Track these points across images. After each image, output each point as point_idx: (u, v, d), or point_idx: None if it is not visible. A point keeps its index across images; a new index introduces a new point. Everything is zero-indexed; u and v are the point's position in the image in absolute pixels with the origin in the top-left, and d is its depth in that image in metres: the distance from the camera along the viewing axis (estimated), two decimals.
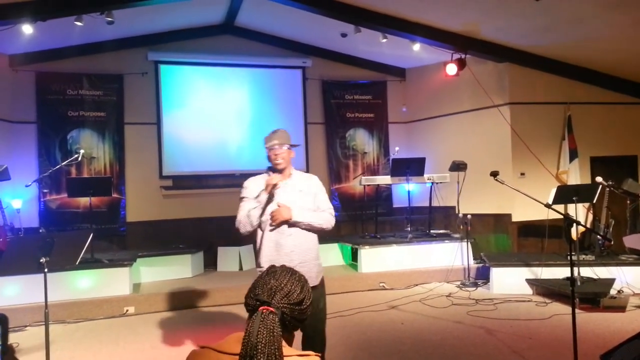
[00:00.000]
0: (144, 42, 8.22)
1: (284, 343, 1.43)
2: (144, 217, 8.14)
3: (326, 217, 3.34)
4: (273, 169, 3.36)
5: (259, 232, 3.33)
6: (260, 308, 1.42)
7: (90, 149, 7.92)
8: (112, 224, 7.95)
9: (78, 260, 3.54)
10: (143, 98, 8.29)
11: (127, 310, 6.09)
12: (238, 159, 8.67)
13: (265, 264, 3.26)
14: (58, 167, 6.71)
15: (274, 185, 3.21)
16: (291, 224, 3.22)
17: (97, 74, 8.06)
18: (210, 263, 7.96)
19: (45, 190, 7.62)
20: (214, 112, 8.62)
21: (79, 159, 6.59)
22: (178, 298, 6.36)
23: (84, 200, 7.45)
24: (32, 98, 7.76)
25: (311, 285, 3.07)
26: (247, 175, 9.59)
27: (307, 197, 3.35)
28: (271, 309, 1.42)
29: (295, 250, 3.23)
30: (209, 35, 8.56)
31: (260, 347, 1.33)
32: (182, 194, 8.40)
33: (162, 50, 8.37)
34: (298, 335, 3.06)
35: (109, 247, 7.73)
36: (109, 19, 6.46)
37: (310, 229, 3.27)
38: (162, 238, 8.03)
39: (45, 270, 3.36)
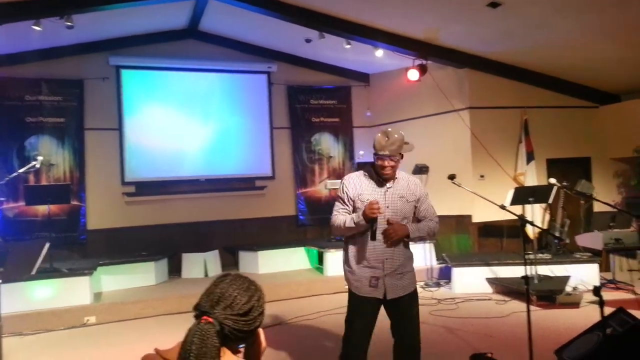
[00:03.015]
0: (105, 47, 8.08)
1: (227, 353, 1.42)
2: (106, 224, 7.98)
3: (433, 228, 3.20)
4: (375, 170, 3.13)
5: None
6: (201, 318, 1.41)
7: (49, 155, 7.71)
8: (71, 232, 7.76)
9: (34, 270, 3.47)
10: (104, 103, 8.14)
11: (87, 320, 5.97)
12: (203, 164, 8.61)
13: (364, 269, 3.11)
14: (15, 174, 6.49)
15: (375, 218, 2.94)
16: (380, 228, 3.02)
17: (56, 79, 7.87)
18: (175, 270, 7.86)
19: (2, 199, 7.38)
20: (177, 118, 8.53)
21: (37, 166, 6.39)
22: (141, 306, 6.27)
23: (42, 208, 7.26)
24: None
25: (406, 293, 3.11)
26: (212, 181, 9.58)
27: (409, 204, 3.15)
28: (210, 319, 1.40)
29: (392, 259, 3.09)
30: (172, 40, 8.48)
31: (192, 357, 1.33)
32: (146, 200, 8.27)
33: (123, 55, 8.24)
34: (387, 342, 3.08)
35: (69, 255, 7.55)
36: (69, 23, 6.33)
37: (418, 241, 3.21)
38: (124, 246, 7.88)
39: (0, 280, 3.28)
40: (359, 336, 3.14)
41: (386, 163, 3.04)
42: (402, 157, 3.12)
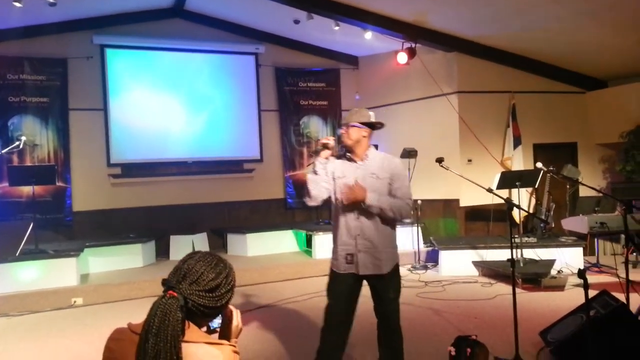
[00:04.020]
0: (89, 25, 7.90)
1: (193, 329, 1.43)
2: (92, 206, 7.90)
3: (401, 206, 3.10)
4: (347, 150, 3.22)
5: (333, 215, 3.26)
6: (167, 292, 1.42)
7: (33, 135, 7.58)
8: (57, 214, 7.67)
9: (18, 251, 3.42)
10: (88, 83, 7.98)
11: (75, 302, 5.94)
12: (190, 146, 8.52)
13: (340, 247, 3.18)
14: None
15: (324, 145, 3.12)
16: (362, 208, 3.06)
17: (39, 57, 7.69)
18: (163, 252, 7.84)
19: None
20: (164, 99, 8.41)
21: (21, 146, 6.32)
22: (129, 288, 6.25)
23: (27, 189, 7.16)
24: None
25: (377, 273, 3.09)
26: (200, 163, 9.52)
27: (381, 181, 3.13)
28: (174, 293, 1.41)
29: (363, 235, 3.11)
30: (157, 19, 8.32)
31: (153, 330, 1.34)
32: (132, 182, 8.19)
33: (108, 34, 8.06)
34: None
35: (55, 237, 7.48)
36: (51, 0, 6.17)
37: (382, 216, 3.09)
38: (111, 227, 7.83)
39: None
40: (336, 311, 3.20)
41: (342, 131, 3.19)
42: (362, 128, 3.15)
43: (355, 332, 3.31)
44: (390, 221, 3.17)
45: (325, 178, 3.17)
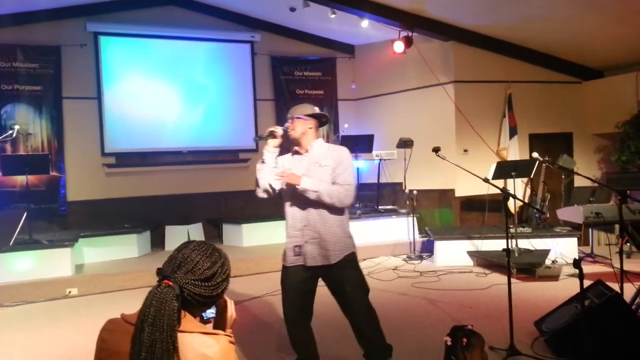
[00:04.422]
0: (82, 12, 7.81)
1: (189, 318, 1.42)
2: (86, 196, 7.85)
3: (337, 191, 3.06)
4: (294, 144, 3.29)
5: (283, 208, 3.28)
6: (162, 281, 1.41)
7: (26, 124, 7.50)
8: (51, 204, 7.62)
9: (12, 241, 3.39)
10: (82, 71, 7.90)
11: (69, 292, 5.92)
12: (185, 136, 8.47)
13: (288, 239, 3.21)
14: None
15: (271, 133, 3.15)
16: (300, 194, 3.07)
17: (32, 45, 7.59)
18: (158, 242, 7.82)
19: None
20: (158, 87, 8.34)
21: (14, 135, 6.25)
22: (124, 278, 6.23)
23: (20, 179, 7.12)
24: None
25: (326, 264, 3.07)
26: (195, 153, 9.46)
27: (323, 169, 3.13)
28: (169, 282, 1.40)
29: (309, 225, 3.11)
30: (152, 6, 8.24)
31: (149, 319, 1.33)
32: (127, 171, 8.14)
33: (101, 21, 7.98)
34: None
35: (49, 227, 7.44)
36: None
37: (320, 201, 3.06)
38: (106, 217, 7.79)
39: None
40: (290, 305, 3.23)
41: (287, 124, 3.24)
42: (306, 120, 3.21)
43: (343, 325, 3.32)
44: (336, 210, 3.13)
45: (274, 167, 3.18)
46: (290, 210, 3.19)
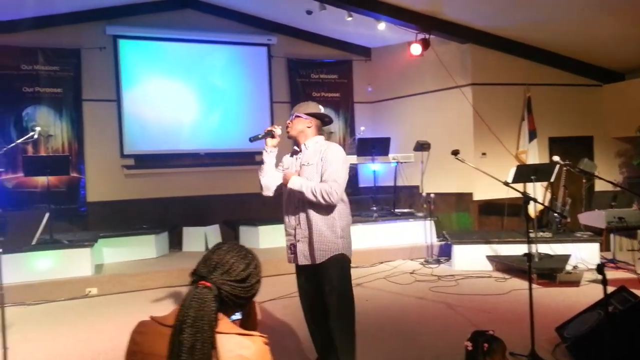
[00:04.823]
0: (101, 16, 7.92)
1: (224, 320, 1.42)
2: (106, 197, 7.94)
3: (320, 188, 2.99)
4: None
5: None
6: (199, 282, 1.42)
7: (47, 126, 7.63)
8: (71, 204, 7.72)
9: (34, 240, 3.44)
10: (102, 74, 8.01)
11: (89, 292, 5.98)
12: (202, 138, 8.53)
13: (285, 238, 3.22)
14: (13, 145, 6.39)
15: (269, 132, 3.20)
16: (294, 194, 3.09)
17: (53, 48, 7.72)
18: (175, 243, 7.88)
19: (0, 169, 7.33)
20: (176, 90, 8.42)
21: (35, 136, 6.30)
22: (142, 279, 6.28)
23: (41, 180, 7.22)
24: None
25: (312, 263, 3.06)
26: (212, 155, 9.52)
27: (312, 167, 3.12)
28: (207, 284, 1.41)
29: (301, 224, 3.12)
30: (170, 10, 8.32)
31: (189, 321, 1.33)
32: (145, 173, 8.22)
33: (120, 25, 8.08)
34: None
35: (69, 227, 7.52)
36: None
37: (307, 200, 3.04)
38: (124, 218, 7.86)
39: (0, 250, 3.25)
40: (302, 305, 3.28)
41: (287, 122, 3.26)
42: (304, 118, 3.20)
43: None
44: (325, 209, 3.06)
45: (272, 167, 3.23)
46: (286, 209, 3.22)
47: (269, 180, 3.21)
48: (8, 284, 3.36)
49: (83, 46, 7.88)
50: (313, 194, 3.00)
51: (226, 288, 1.44)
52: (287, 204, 3.22)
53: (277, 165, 3.34)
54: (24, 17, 7.30)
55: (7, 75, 7.49)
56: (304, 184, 3.05)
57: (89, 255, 6.27)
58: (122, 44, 8.16)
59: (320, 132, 3.28)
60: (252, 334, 1.44)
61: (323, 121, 3.29)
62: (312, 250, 3.07)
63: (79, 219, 7.79)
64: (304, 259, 3.13)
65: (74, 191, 7.77)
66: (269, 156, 3.24)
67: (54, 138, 7.71)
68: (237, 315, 1.63)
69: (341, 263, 3.11)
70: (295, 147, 3.27)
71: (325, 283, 3.08)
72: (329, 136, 9.30)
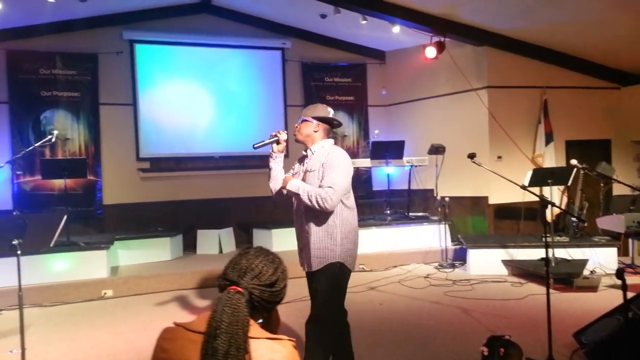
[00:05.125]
0: (118, 21, 8.02)
1: (254, 324, 1.42)
2: (121, 199, 8.02)
3: (316, 193, 2.90)
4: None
5: None
6: (229, 288, 1.41)
7: (65, 129, 7.73)
8: (88, 207, 7.81)
9: (53, 242, 3.48)
10: (118, 78, 8.11)
11: (105, 294, 6.03)
12: (217, 141, 8.58)
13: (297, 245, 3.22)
14: (31, 148, 6.50)
15: (274, 137, 3.14)
16: (304, 204, 3.00)
17: (70, 52, 7.83)
18: (190, 246, 7.92)
19: (18, 172, 7.45)
20: (191, 93, 8.49)
21: (53, 140, 6.40)
22: (157, 281, 6.32)
23: (58, 182, 7.31)
24: (3, 77, 7.52)
25: (311, 270, 3.04)
26: (226, 158, 9.58)
27: (314, 173, 3.04)
28: (239, 289, 1.40)
29: (303, 231, 3.08)
30: (185, 14, 8.39)
31: (223, 326, 1.32)
32: (160, 176, 8.29)
33: (137, 29, 8.17)
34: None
35: (85, 230, 7.61)
36: None
37: (303, 203, 2.97)
38: (140, 221, 7.93)
39: (19, 252, 3.29)
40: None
41: (295, 126, 3.18)
42: (321, 127, 3.11)
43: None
44: (324, 215, 2.96)
45: (280, 172, 3.19)
46: (294, 215, 3.18)
47: (276, 184, 3.18)
48: (25, 286, 3.40)
49: (100, 51, 7.98)
50: (309, 198, 2.92)
51: (256, 292, 1.44)
52: (295, 209, 3.17)
53: (288, 170, 3.30)
54: (43, 23, 7.43)
55: (26, 80, 7.61)
56: (302, 187, 2.98)
57: (105, 257, 6.33)
58: (139, 48, 8.25)
59: (328, 135, 3.19)
60: (282, 338, 1.44)
61: (332, 124, 3.19)
62: (309, 258, 3.03)
63: (95, 222, 7.87)
64: (306, 266, 3.12)
65: (91, 194, 7.86)
66: (275, 162, 3.18)
67: (71, 141, 7.82)
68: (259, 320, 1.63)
69: (335, 271, 2.99)
70: (304, 152, 3.20)
71: (317, 290, 3.04)
72: (342, 139, 9.30)
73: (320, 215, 2.98)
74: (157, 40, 8.36)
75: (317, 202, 2.88)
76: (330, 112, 3.17)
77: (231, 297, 1.37)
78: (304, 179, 3.08)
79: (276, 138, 3.15)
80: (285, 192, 3.08)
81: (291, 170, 3.29)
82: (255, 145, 3.18)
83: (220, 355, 1.30)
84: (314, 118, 3.11)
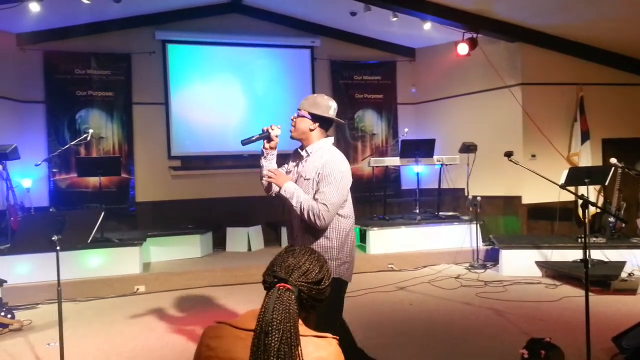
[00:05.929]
0: (151, 21, 8.15)
1: (300, 322, 1.41)
2: (153, 197, 8.16)
3: (311, 208, 2.65)
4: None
5: None
6: (277, 285, 1.41)
7: (99, 128, 7.90)
8: (121, 204, 7.97)
9: (90, 239, 3.55)
10: (151, 78, 8.24)
11: (137, 289, 6.14)
12: None
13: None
14: (67, 146, 6.70)
15: (264, 132, 2.85)
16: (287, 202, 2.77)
17: (104, 53, 8.00)
18: (219, 243, 7.99)
19: (54, 170, 7.65)
20: (222, 92, 8.57)
21: (88, 138, 6.57)
22: (188, 277, 6.40)
23: (93, 180, 7.49)
24: (40, 77, 7.73)
25: None
26: (255, 157, 9.58)
27: (307, 182, 2.78)
28: (288, 286, 1.40)
29: (297, 238, 2.84)
30: (216, 14, 8.46)
31: (275, 323, 1.31)
32: (191, 174, 8.40)
33: (169, 30, 8.30)
34: None
35: (119, 226, 7.76)
36: None
37: (297, 211, 2.72)
38: (171, 218, 8.06)
39: (58, 248, 3.36)
40: None
41: (292, 118, 2.87)
42: (314, 120, 2.81)
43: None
44: (315, 227, 2.71)
45: (273, 168, 2.91)
46: (288, 216, 2.88)
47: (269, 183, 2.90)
48: (62, 281, 3.47)
49: (133, 51, 8.13)
50: (301, 210, 2.68)
51: (305, 290, 1.45)
52: (287, 214, 2.91)
53: (280, 166, 3.05)
54: (78, 24, 7.61)
55: (61, 80, 7.80)
56: (297, 194, 2.71)
57: (137, 253, 6.44)
58: (171, 48, 8.37)
59: (327, 134, 2.90)
60: (326, 335, 1.44)
61: (331, 123, 2.87)
62: None
63: (128, 219, 8.03)
64: None
65: (124, 191, 8.02)
66: (267, 161, 2.89)
67: (105, 140, 7.98)
68: None
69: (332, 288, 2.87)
70: (299, 150, 2.91)
71: None
72: (371, 137, 9.24)
73: (316, 234, 2.76)
74: (189, 40, 8.46)
75: (310, 217, 2.66)
76: (331, 107, 2.84)
77: (282, 294, 1.37)
78: (296, 183, 2.83)
79: (267, 134, 2.86)
80: (274, 194, 2.85)
81: (284, 167, 3.03)
82: (243, 141, 2.87)
83: (271, 352, 1.29)
84: (312, 115, 2.82)
